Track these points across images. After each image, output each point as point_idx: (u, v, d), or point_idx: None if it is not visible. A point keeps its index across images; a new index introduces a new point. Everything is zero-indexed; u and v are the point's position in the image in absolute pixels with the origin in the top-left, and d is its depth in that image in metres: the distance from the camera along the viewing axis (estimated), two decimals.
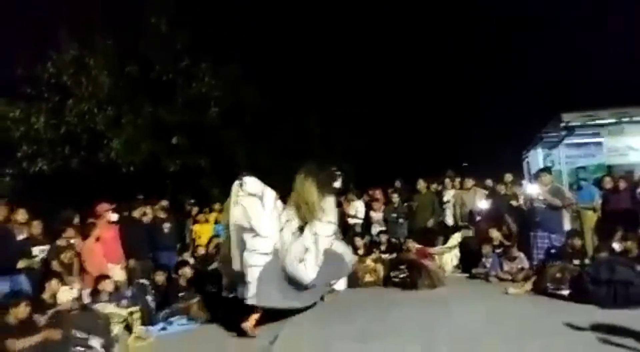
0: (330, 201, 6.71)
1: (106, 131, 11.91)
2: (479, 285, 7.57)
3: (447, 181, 9.71)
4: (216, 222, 9.60)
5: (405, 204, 9.75)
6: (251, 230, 5.82)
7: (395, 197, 9.70)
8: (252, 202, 5.92)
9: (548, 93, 15.45)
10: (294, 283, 6.04)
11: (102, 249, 7.09)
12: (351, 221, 9.71)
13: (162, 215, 8.51)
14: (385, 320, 5.86)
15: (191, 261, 8.09)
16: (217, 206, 10.14)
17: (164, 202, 8.80)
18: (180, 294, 6.88)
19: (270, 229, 5.95)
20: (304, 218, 6.34)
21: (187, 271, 7.27)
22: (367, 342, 5.05)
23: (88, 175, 12.09)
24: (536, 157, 12.44)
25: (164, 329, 6.29)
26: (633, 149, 11.00)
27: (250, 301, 5.61)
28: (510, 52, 17.24)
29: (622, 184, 8.05)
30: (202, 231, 9.35)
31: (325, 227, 6.44)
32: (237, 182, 6.03)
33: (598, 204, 8.30)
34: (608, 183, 8.26)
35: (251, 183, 6.03)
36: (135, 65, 12.23)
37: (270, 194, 6.13)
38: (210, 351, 5.18)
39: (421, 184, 9.72)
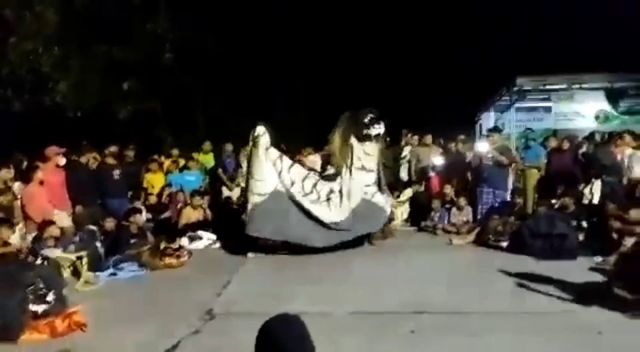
0: (365, 148, 7.10)
1: (52, 73, 11.20)
2: (426, 237, 7.91)
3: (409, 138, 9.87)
4: (168, 171, 9.41)
5: None
6: (252, 173, 6.64)
7: None
8: (254, 149, 6.64)
9: (505, 58, 15.71)
10: (309, 222, 6.62)
11: (47, 194, 6.81)
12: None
13: (111, 161, 8.22)
14: (337, 267, 6.08)
15: (142, 208, 7.95)
16: (175, 152, 9.93)
17: (113, 148, 8.48)
18: (131, 241, 6.79)
19: (263, 173, 6.56)
20: (335, 164, 7.26)
21: (139, 218, 7.16)
22: (318, 285, 5.23)
23: (32, 119, 11.43)
24: (488, 120, 12.81)
25: (113, 274, 6.18)
26: (580, 115, 11.54)
27: (246, 231, 6.47)
28: (470, 19, 17.27)
29: (566, 145, 8.46)
30: (154, 180, 9.16)
31: (356, 173, 7.00)
32: (252, 130, 6.72)
33: (543, 163, 8.71)
34: (553, 142, 8.70)
35: (258, 131, 6.64)
36: (85, 0, 11.39)
37: (263, 141, 6.61)
38: (160, 296, 5.16)
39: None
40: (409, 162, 9.59)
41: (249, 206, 6.58)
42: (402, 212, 9.11)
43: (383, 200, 7.21)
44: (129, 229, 7.00)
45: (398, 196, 9.26)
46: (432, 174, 9.22)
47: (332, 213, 6.77)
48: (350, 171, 7.05)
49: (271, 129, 6.88)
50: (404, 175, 9.65)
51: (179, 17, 12.43)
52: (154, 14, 12.06)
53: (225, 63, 13.54)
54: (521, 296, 4.72)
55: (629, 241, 5.70)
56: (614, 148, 7.93)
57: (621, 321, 4.01)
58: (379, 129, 7.08)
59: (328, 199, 6.86)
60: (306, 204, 6.68)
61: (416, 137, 9.79)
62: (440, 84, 17.89)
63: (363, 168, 7.09)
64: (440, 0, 17.45)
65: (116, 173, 8.06)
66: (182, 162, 9.67)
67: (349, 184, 7.01)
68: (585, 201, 7.42)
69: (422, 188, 9.23)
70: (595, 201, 7.29)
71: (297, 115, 16.06)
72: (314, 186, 6.92)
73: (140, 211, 7.48)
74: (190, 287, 5.42)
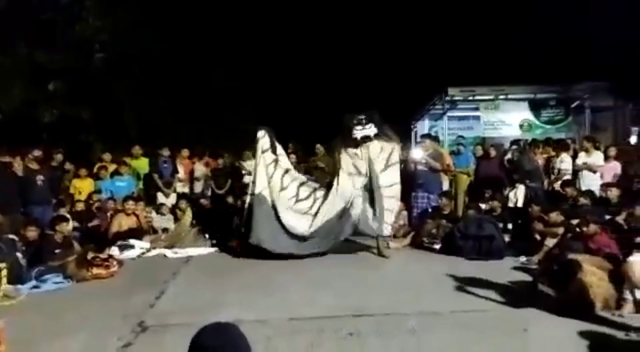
0: (354, 150, 6.83)
1: None
2: (364, 240, 8.01)
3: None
4: (98, 177, 8.95)
5: (302, 165, 9.87)
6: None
7: (293, 158, 9.75)
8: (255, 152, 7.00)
9: (436, 70, 16.40)
10: (285, 229, 6.66)
11: None
12: (246, 179, 9.65)
13: (34, 166, 7.70)
14: (274, 273, 6.01)
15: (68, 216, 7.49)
16: (106, 157, 9.46)
17: (37, 152, 7.94)
18: (56, 251, 6.37)
19: (256, 175, 6.81)
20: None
21: (64, 227, 6.74)
22: (255, 292, 5.16)
23: None
24: (423, 128, 13.30)
25: (36, 287, 5.77)
26: (505, 124, 12.19)
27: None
28: (407, 30, 17.91)
29: (493, 152, 8.96)
30: (83, 186, 8.68)
31: (347, 178, 6.83)
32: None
33: (472, 169, 9.16)
34: (479, 151, 9.24)
35: (258, 134, 6.98)
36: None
37: (260, 145, 6.89)
38: (88, 309, 4.86)
39: (320, 148, 9.92)
40: None
41: (245, 206, 6.94)
42: None
43: (360, 207, 6.84)
44: (53, 239, 6.56)
45: None
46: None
47: (303, 222, 6.76)
48: (339, 177, 6.91)
49: (273, 132, 7.10)
50: None
51: (111, 18, 11.90)
52: (82, 14, 11.45)
53: (160, 64, 13.08)
54: (454, 296, 4.91)
55: (550, 242, 6.11)
56: (535, 155, 8.53)
57: (545, 317, 4.27)
58: (362, 131, 6.76)
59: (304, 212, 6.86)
60: (284, 212, 6.69)
61: None
62: (377, 92, 18.37)
63: (357, 171, 6.89)
64: (377, 10, 17.94)
65: (40, 179, 7.56)
66: (112, 167, 9.24)
67: (337, 192, 6.85)
68: (511, 204, 7.87)
69: None
70: (520, 204, 7.75)
71: (241, 117, 15.76)
72: (313, 192, 6.96)
73: (66, 219, 7.04)
74: (120, 299, 5.14)
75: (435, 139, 9.06)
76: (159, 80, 13.25)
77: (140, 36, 12.31)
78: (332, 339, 3.88)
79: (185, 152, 9.89)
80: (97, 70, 11.82)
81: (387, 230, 6.87)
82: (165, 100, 13.38)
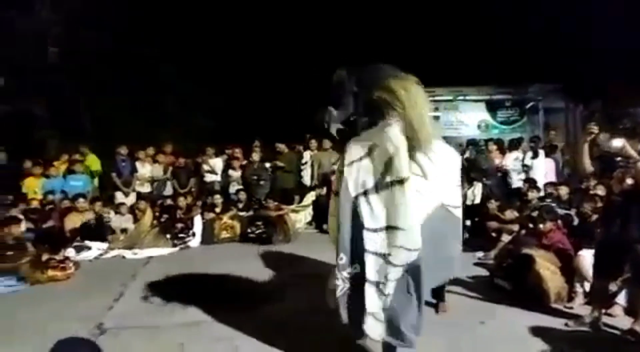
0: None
1: None
2: (327, 238, 8.05)
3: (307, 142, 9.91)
4: (48, 176, 8.58)
5: (268, 164, 9.82)
6: None
7: (256, 157, 9.67)
8: None
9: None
10: None
11: None
12: (208, 178, 9.54)
13: None
14: (230, 276, 5.86)
15: (21, 217, 7.18)
16: (64, 156, 9.10)
17: None
18: (8, 253, 6.09)
19: None
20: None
21: (15, 229, 6.44)
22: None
23: None
24: None
25: None
26: (464, 124, 12.53)
27: None
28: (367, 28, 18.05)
29: None
30: (36, 185, 8.35)
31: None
32: None
33: None
34: None
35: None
36: None
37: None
38: (44, 312, 4.70)
39: (280, 147, 9.89)
40: (312, 166, 9.73)
41: None
42: (305, 215, 9.25)
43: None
44: (4, 240, 6.28)
45: (300, 201, 9.39)
46: (333, 178, 9.42)
47: None
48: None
49: None
50: (307, 179, 9.79)
51: (65, 11, 11.46)
52: (35, 7, 10.97)
53: (116, 60, 12.67)
54: None
55: (506, 238, 6.34)
56: (491, 153, 8.86)
57: (502, 309, 4.44)
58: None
59: None
60: None
61: (314, 141, 9.85)
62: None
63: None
64: (334, 9, 17.92)
65: None
66: (63, 166, 8.88)
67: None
68: (469, 202, 8.09)
69: (324, 192, 9.40)
70: (477, 201, 7.99)
71: (196, 113, 15.43)
72: None
73: (18, 220, 6.74)
74: (78, 301, 4.99)
75: None
76: (115, 77, 12.83)
77: (95, 30, 11.88)
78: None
79: (150, 151, 9.52)
80: (50, 65, 11.33)
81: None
82: (122, 96, 12.97)
